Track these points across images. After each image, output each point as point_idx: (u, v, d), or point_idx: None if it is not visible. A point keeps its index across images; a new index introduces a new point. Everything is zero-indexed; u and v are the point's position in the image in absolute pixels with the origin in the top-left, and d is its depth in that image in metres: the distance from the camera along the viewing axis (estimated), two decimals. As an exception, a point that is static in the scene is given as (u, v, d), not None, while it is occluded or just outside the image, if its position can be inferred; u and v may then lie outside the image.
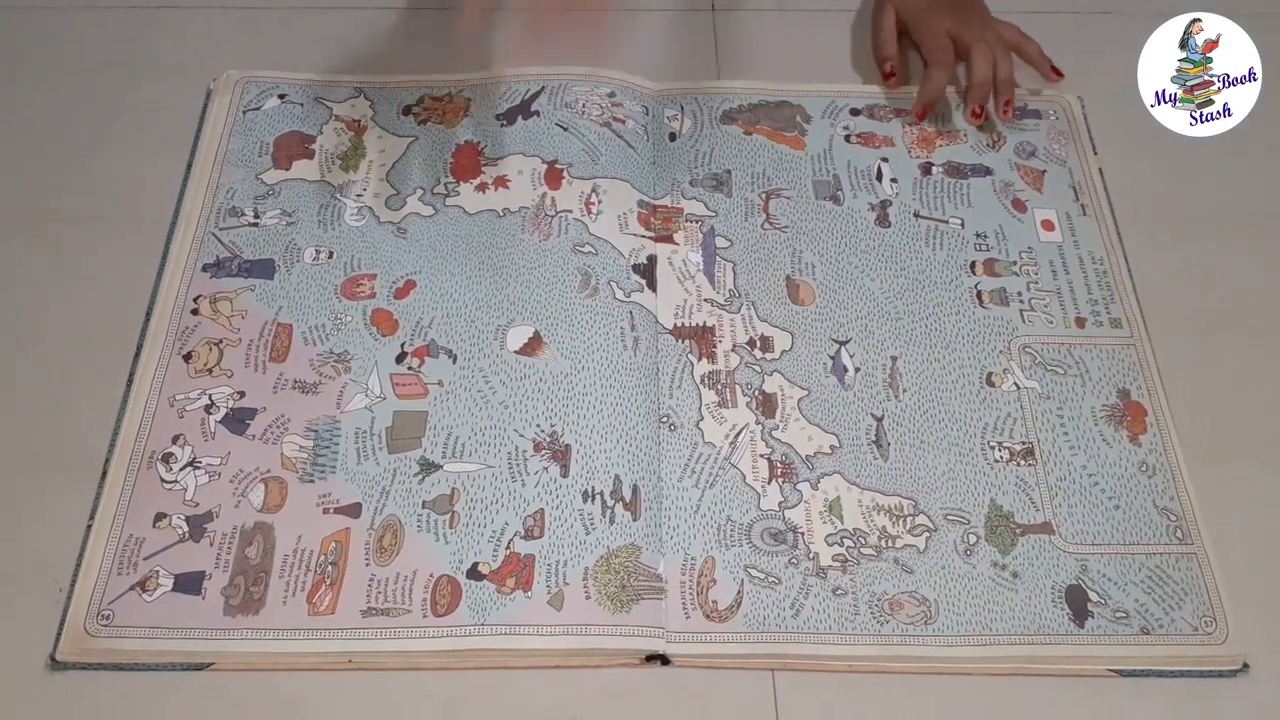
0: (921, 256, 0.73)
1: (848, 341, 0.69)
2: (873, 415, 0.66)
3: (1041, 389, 0.67)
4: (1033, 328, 0.69)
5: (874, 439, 0.65)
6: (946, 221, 0.74)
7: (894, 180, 0.76)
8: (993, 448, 0.65)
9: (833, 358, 0.68)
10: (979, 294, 0.71)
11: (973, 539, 0.61)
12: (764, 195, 0.75)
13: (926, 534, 0.61)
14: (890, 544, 0.61)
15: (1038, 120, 0.80)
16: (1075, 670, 0.58)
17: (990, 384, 0.67)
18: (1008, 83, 0.79)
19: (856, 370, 0.67)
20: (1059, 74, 0.80)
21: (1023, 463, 0.64)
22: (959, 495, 0.63)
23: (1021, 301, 0.70)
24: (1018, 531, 0.62)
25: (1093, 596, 0.59)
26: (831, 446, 0.64)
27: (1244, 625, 0.59)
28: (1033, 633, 0.58)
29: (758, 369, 0.67)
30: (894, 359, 0.68)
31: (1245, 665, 0.58)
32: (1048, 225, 0.74)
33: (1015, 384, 0.67)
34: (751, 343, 0.68)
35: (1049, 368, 0.68)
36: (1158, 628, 0.59)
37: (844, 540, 0.61)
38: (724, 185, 0.75)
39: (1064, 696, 0.57)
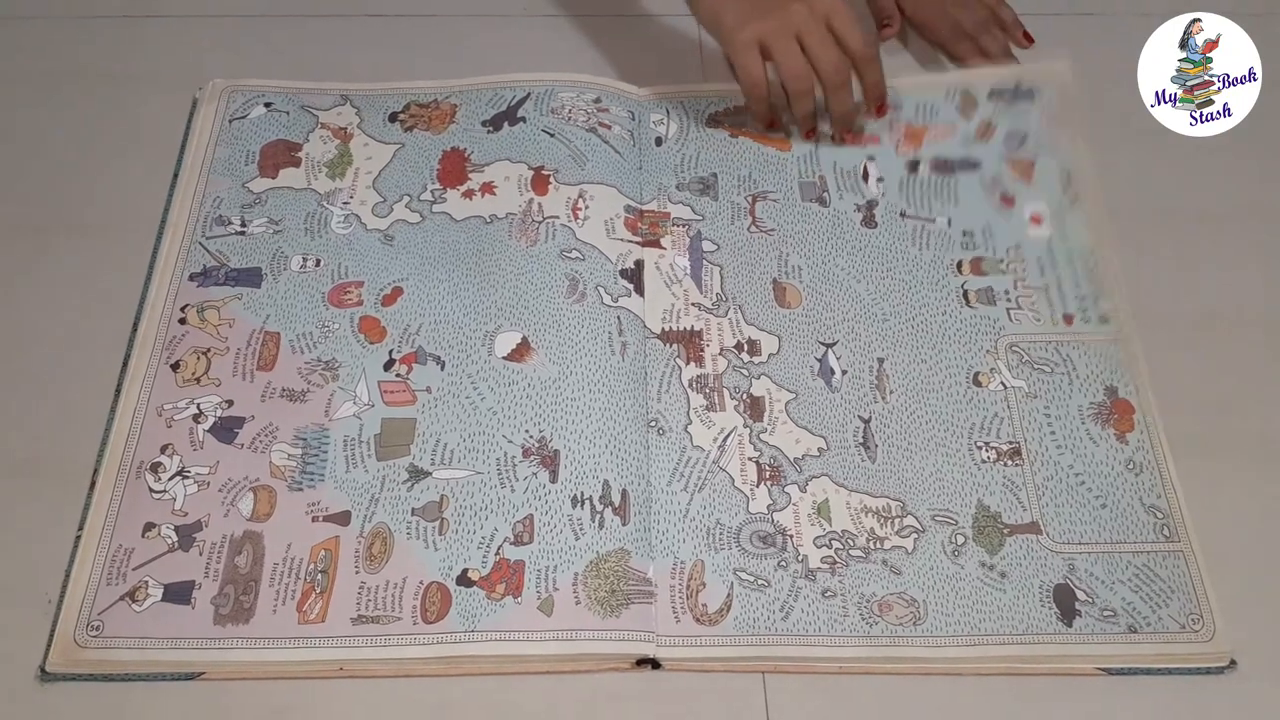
0: (908, 257, 0.73)
1: (835, 344, 0.69)
2: (860, 417, 0.66)
3: (1029, 388, 0.67)
4: (1020, 326, 0.70)
5: (862, 441, 0.65)
6: (933, 220, 0.74)
7: (880, 179, 0.76)
8: (980, 448, 0.65)
9: (820, 360, 0.68)
10: (966, 293, 0.71)
11: (960, 539, 0.62)
12: (750, 198, 0.75)
13: (914, 535, 0.62)
14: (878, 545, 0.61)
15: (1030, 102, 0.79)
16: (1063, 669, 0.58)
17: (977, 384, 0.67)
18: (1014, 21, 0.83)
19: (844, 372, 0.68)
20: (1029, 39, 0.83)
21: (1010, 463, 0.64)
22: (946, 496, 0.63)
23: (1009, 300, 0.71)
24: (1005, 531, 0.62)
25: (1080, 595, 0.60)
26: (819, 449, 0.65)
27: (1231, 622, 0.59)
28: (1021, 632, 0.59)
29: (745, 372, 0.67)
30: (881, 360, 0.68)
31: (1233, 662, 0.58)
32: (1036, 219, 0.74)
33: (1002, 383, 0.67)
34: (739, 346, 0.68)
35: (1036, 366, 0.68)
36: (1145, 626, 0.59)
37: (832, 542, 0.61)
38: (710, 189, 0.76)
39: (1052, 695, 0.57)
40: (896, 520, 0.62)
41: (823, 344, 0.69)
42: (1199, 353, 0.69)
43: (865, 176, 0.76)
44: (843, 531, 0.62)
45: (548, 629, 0.58)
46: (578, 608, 0.58)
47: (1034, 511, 0.62)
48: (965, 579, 0.60)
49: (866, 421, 0.66)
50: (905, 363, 0.68)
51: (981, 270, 0.72)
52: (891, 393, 0.67)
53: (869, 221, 0.74)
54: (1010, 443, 0.65)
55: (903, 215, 0.75)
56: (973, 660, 0.58)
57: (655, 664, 0.58)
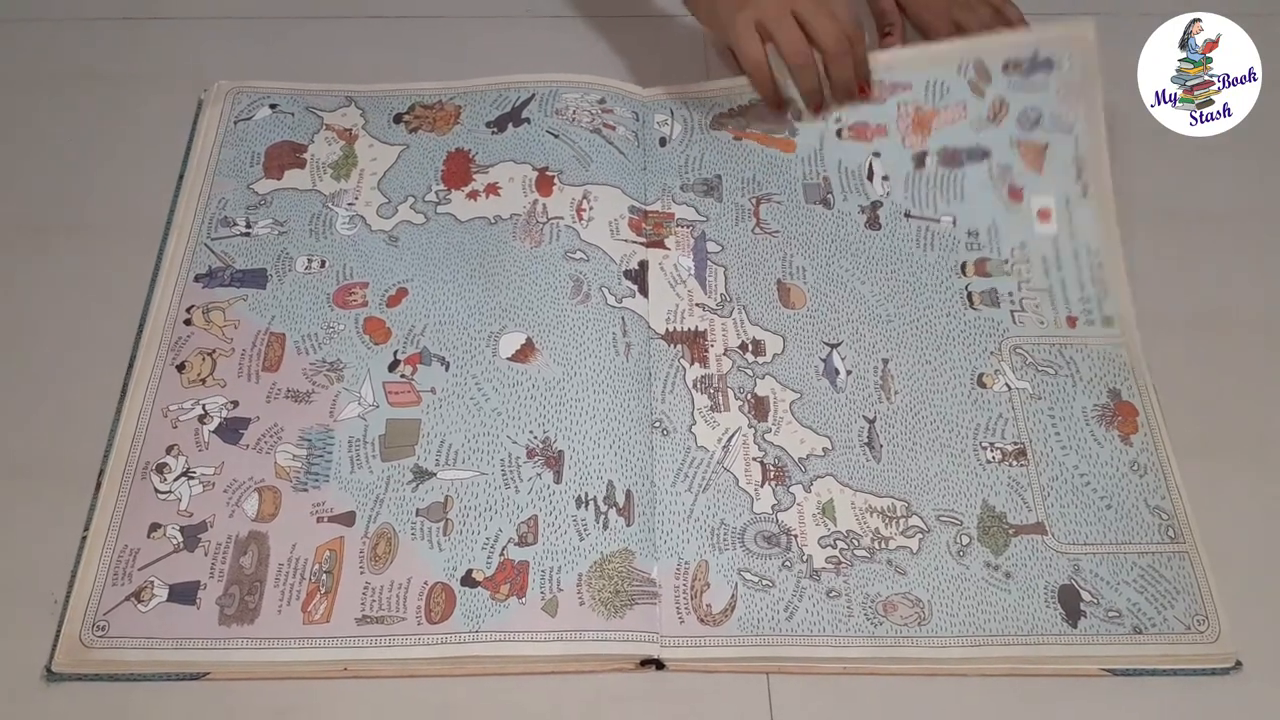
0: (912, 259, 0.73)
1: (839, 344, 0.69)
2: (865, 417, 0.66)
3: (1033, 389, 0.67)
4: (1024, 329, 0.70)
5: (866, 441, 0.65)
6: (938, 220, 0.74)
7: (885, 178, 0.76)
8: (984, 448, 0.65)
9: (824, 360, 0.68)
10: (970, 295, 0.71)
11: (965, 540, 0.62)
12: (754, 200, 0.75)
13: (919, 535, 0.62)
14: (883, 545, 0.61)
15: (1048, 73, 0.74)
16: (1068, 670, 0.58)
17: (981, 385, 0.67)
18: (1020, 20, 0.82)
19: (848, 373, 0.68)
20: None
21: (1014, 463, 0.64)
22: (951, 496, 0.63)
23: (1012, 302, 0.71)
24: (1010, 532, 0.62)
25: (1085, 596, 0.60)
26: (824, 449, 0.65)
27: (1236, 623, 0.59)
28: (1026, 633, 0.59)
29: (750, 372, 0.67)
30: (885, 361, 0.68)
31: (1238, 663, 0.58)
32: (1044, 215, 0.73)
33: (1006, 385, 0.67)
34: (743, 346, 0.69)
35: (1040, 368, 0.68)
36: (1150, 627, 0.59)
37: (837, 542, 0.61)
38: (715, 190, 0.76)
39: (1057, 696, 0.57)
40: (901, 520, 0.62)
41: (827, 344, 0.69)
42: (1201, 353, 0.69)
43: (870, 175, 0.76)
44: (847, 531, 0.62)
45: (552, 629, 0.58)
46: (582, 608, 0.58)
47: (1039, 512, 0.62)
48: (970, 579, 0.60)
49: (871, 422, 0.66)
50: (910, 363, 0.68)
51: (986, 272, 0.72)
52: (896, 393, 0.67)
53: (873, 223, 0.74)
54: (1015, 443, 0.65)
55: (907, 216, 0.75)
56: (977, 661, 0.58)
57: (659, 664, 0.58)
